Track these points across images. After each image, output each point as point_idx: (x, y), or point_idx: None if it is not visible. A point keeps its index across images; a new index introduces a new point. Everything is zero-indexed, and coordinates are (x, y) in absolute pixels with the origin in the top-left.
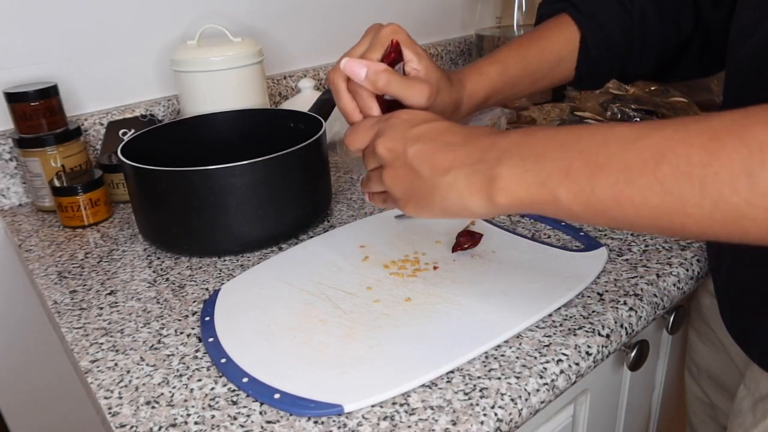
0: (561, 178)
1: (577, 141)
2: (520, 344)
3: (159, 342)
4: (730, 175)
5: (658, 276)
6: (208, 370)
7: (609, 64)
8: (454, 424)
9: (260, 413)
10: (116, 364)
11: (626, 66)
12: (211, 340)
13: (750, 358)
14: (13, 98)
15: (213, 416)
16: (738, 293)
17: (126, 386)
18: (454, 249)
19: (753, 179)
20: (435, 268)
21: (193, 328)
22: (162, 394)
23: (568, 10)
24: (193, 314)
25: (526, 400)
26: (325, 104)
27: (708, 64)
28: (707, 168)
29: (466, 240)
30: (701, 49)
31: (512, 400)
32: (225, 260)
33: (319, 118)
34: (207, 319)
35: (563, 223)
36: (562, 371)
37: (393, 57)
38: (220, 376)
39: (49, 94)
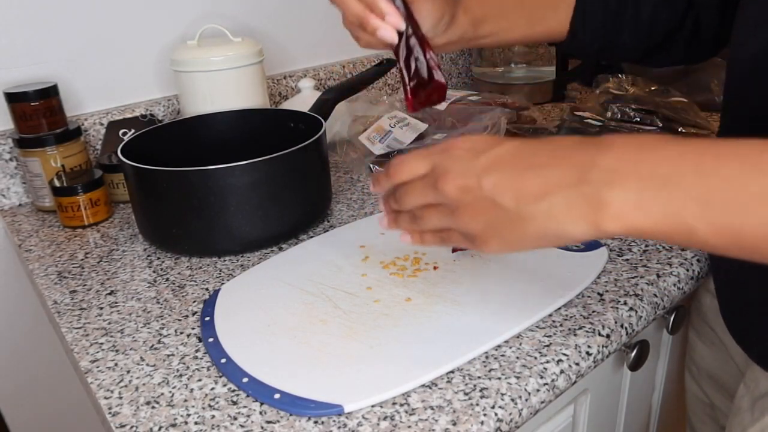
0: (699, 209)
1: (717, 164)
2: (520, 344)
3: (159, 342)
4: None
5: (658, 276)
6: (208, 370)
7: (603, 23)
8: (454, 424)
9: (260, 413)
10: (116, 364)
11: (620, 34)
12: (211, 340)
13: (750, 357)
14: (13, 98)
15: (213, 416)
16: (738, 292)
17: (126, 386)
18: (455, 249)
19: None
20: (435, 268)
21: (193, 328)
22: (162, 394)
23: None
24: (193, 314)
25: (527, 400)
26: (325, 104)
27: (694, 53)
28: None
29: None
30: (690, 36)
31: (512, 400)
32: (225, 260)
33: (319, 118)
34: (207, 319)
35: None
36: (562, 371)
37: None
38: (220, 376)
39: (49, 94)
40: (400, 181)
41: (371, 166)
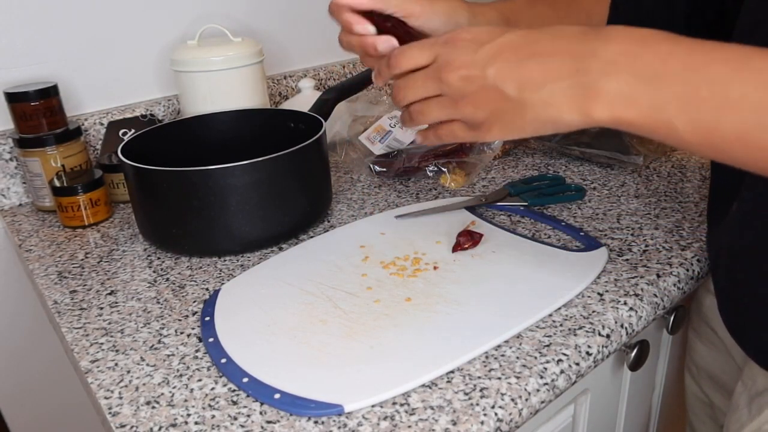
0: (682, 105)
1: (705, 66)
2: (520, 344)
3: (159, 342)
4: None
5: (658, 276)
6: (208, 370)
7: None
8: (455, 424)
9: (260, 413)
10: (116, 364)
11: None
12: (211, 340)
13: (746, 354)
14: (13, 98)
15: (213, 416)
16: (736, 290)
17: (126, 386)
18: (455, 249)
19: None
20: (435, 268)
21: (193, 328)
22: (162, 394)
23: None
24: (194, 314)
25: (527, 400)
26: (325, 104)
27: None
28: None
29: (466, 240)
30: (692, 28)
31: (512, 400)
32: (225, 260)
33: (319, 118)
34: (207, 319)
35: (563, 223)
36: (562, 371)
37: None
38: (221, 376)
39: (50, 94)
40: (401, 70)
41: (371, 166)
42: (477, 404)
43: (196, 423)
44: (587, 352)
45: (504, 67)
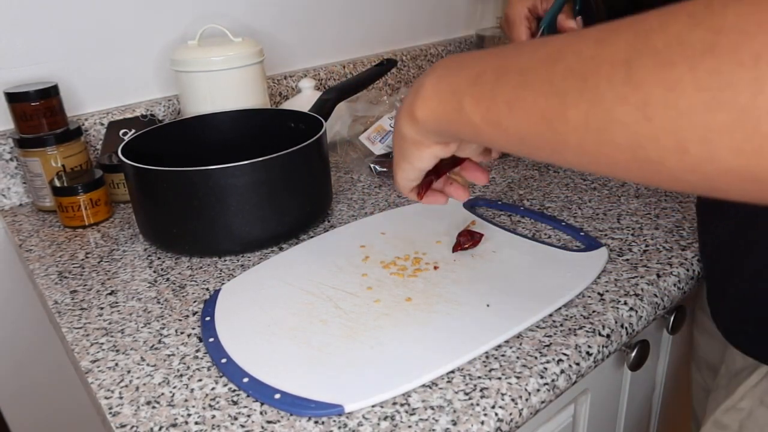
0: (470, 84)
1: (495, 52)
2: (520, 344)
3: (159, 342)
4: (610, 66)
5: (658, 276)
6: (208, 370)
7: None
8: (455, 424)
9: (261, 413)
10: (117, 364)
11: None
12: (211, 340)
13: (720, 333)
14: (13, 98)
15: (213, 416)
16: (714, 273)
17: (126, 386)
18: (455, 249)
19: (630, 68)
20: (435, 268)
21: (193, 328)
22: (162, 394)
23: None
24: (194, 314)
25: (527, 400)
26: (326, 104)
27: None
28: (593, 60)
29: (467, 240)
30: None
31: (513, 400)
32: (225, 260)
33: (320, 118)
34: (207, 319)
35: (564, 223)
36: (562, 371)
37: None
38: (221, 376)
39: (50, 94)
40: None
41: (371, 166)
42: (477, 404)
43: (196, 423)
44: (587, 352)
45: (400, 109)
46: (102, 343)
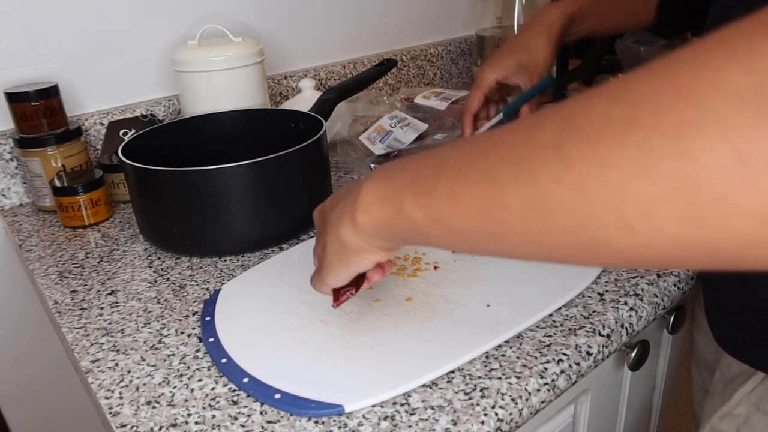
0: (409, 183)
1: (432, 152)
2: (520, 344)
3: (159, 342)
4: (541, 149)
5: (658, 276)
6: (208, 370)
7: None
8: (455, 424)
9: (261, 413)
10: (117, 364)
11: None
12: (211, 340)
13: (716, 342)
14: (13, 98)
15: (213, 416)
16: (709, 277)
17: (127, 386)
18: (455, 249)
19: (560, 150)
20: (436, 268)
21: (193, 328)
22: (162, 394)
23: None
24: (194, 314)
25: (527, 400)
26: (326, 104)
27: None
28: (525, 147)
29: None
30: None
31: (513, 400)
32: (225, 260)
33: (320, 118)
34: (207, 319)
35: None
36: (562, 371)
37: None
38: (221, 376)
39: (50, 94)
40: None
41: (371, 166)
42: (477, 404)
43: (196, 423)
44: (587, 352)
45: (329, 215)
46: (102, 343)
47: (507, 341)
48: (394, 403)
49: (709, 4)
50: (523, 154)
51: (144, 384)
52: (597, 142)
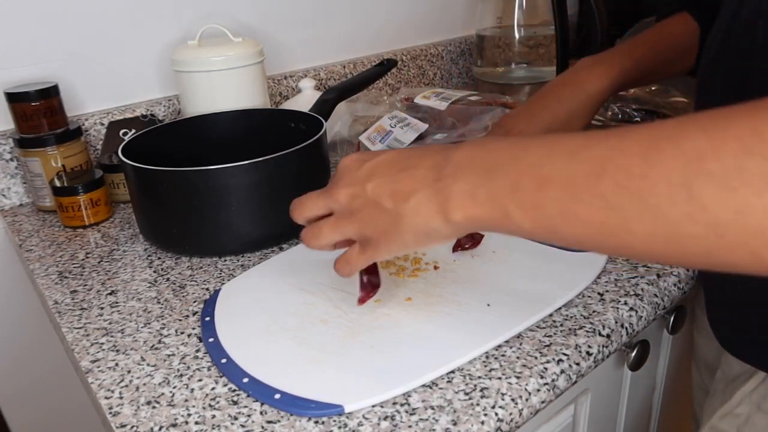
0: (510, 193)
1: (525, 153)
2: (520, 344)
3: (159, 342)
4: (668, 187)
5: (658, 276)
6: (208, 370)
7: None
8: (455, 424)
9: (261, 413)
10: (117, 364)
11: None
12: (211, 340)
13: (717, 341)
14: (13, 98)
15: (213, 416)
16: (710, 277)
17: (127, 386)
18: (455, 249)
19: (690, 191)
20: (435, 268)
21: (193, 328)
22: (162, 394)
23: (686, 8)
24: (194, 314)
25: (527, 400)
26: (326, 104)
27: None
28: (645, 180)
29: (467, 240)
30: None
31: (513, 400)
32: (225, 260)
33: (320, 118)
34: (207, 319)
35: None
36: (562, 371)
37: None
38: (221, 376)
39: (50, 94)
40: (303, 216)
41: None
42: (477, 404)
43: (196, 423)
44: (587, 352)
45: (380, 181)
46: (102, 343)
47: (507, 341)
48: (394, 403)
49: None
50: (644, 187)
51: (144, 384)
52: (732, 191)
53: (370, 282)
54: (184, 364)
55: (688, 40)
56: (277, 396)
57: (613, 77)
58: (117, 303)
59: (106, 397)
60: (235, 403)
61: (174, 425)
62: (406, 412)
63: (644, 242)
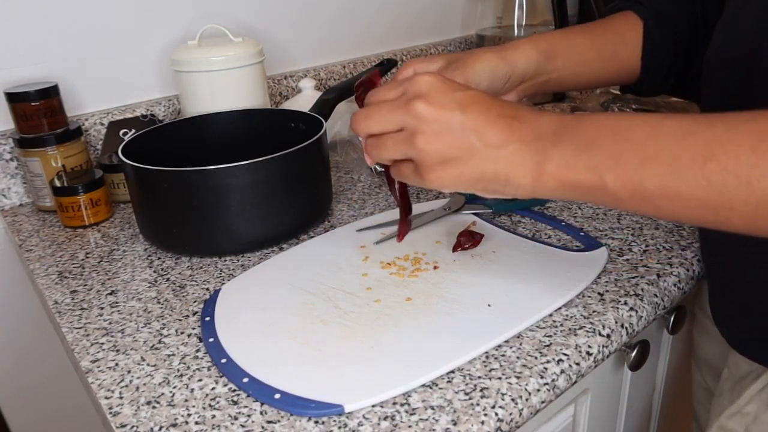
0: (611, 165)
1: (627, 130)
2: (520, 344)
3: (160, 342)
4: None
5: (658, 276)
6: (208, 370)
7: (674, 52)
8: (455, 424)
9: (261, 413)
10: (117, 364)
11: (694, 60)
12: (211, 340)
13: (725, 340)
14: (13, 98)
15: (213, 416)
16: (717, 277)
17: (127, 386)
18: (455, 249)
19: None
20: (435, 268)
21: (193, 328)
22: (163, 394)
23: (630, 6)
24: (194, 314)
25: (527, 400)
26: (326, 104)
27: None
28: (754, 168)
29: (467, 240)
30: None
31: (513, 400)
32: (225, 260)
33: (320, 118)
34: (207, 319)
35: (564, 223)
36: (562, 371)
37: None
38: (221, 376)
39: (50, 94)
40: (369, 101)
41: (371, 166)
42: (477, 404)
43: (196, 423)
44: (587, 352)
45: (475, 116)
46: (102, 343)
47: (507, 341)
48: (394, 403)
49: (692, 67)
50: (753, 174)
51: (144, 384)
52: None
53: (405, 210)
54: (184, 364)
55: (631, 32)
56: (277, 396)
57: (540, 49)
58: (117, 303)
59: (106, 397)
60: (235, 403)
61: (174, 425)
62: (406, 412)
63: (745, 218)
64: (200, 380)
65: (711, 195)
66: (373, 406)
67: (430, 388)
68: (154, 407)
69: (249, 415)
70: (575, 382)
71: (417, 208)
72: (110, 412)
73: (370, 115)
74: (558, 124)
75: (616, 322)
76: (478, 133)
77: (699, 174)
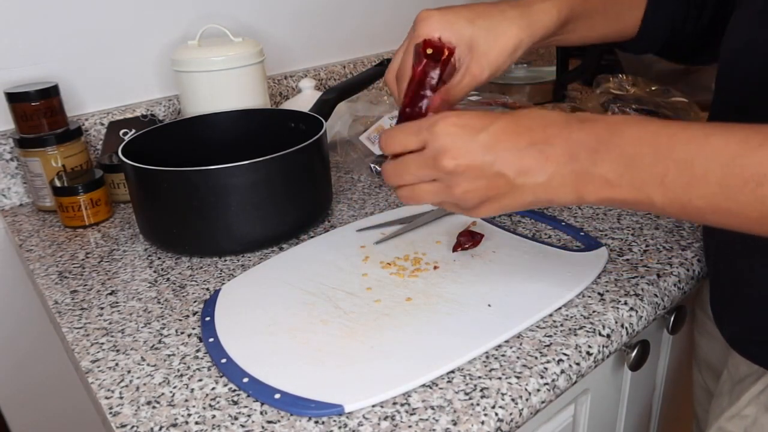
0: (656, 184)
1: (670, 148)
2: (520, 344)
3: (160, 342)
4: None
5: (658, 276)
6: (208, 370)
7: (672, 12)
8: (455, 423)
9: (261, 413)
10: (117, 364)
11: (686, 21)
12: (211, 340)
13: (725, 341)
14: (14, 98)
15: (214, 416)
16: (720, 279)
17: (127, 386)
18: (455, 249)
19: None
20: (435, 268)
21: (193, 328)
22: (163, 394)
23: None
24: (194, 314)
25: (527, 400)
26: (326, 104)
27: None
28: None
29: (467, 240)
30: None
31: (513, 400)
32: (225, 260)
33: (320, 118)
34: (207, 319)
35: (564, 223)
36: (562, 371)
37: (426, 63)
38: (221, 376)
39: (50, 94)
40: (390, 153)
41: (372, 166)
42: (477, 404)
43: (196, 423)
44: (588, 352)
45: (504, 155)
46: (102, 343)
47: (507, 341)
48: (394, 403)
49: (691, 25)
50: None
51: (144, 384)
52: None
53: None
54: (184, 364)
55: None
56: (277, 396)
57: (561, 17)
58: (117, 303)
59: (106, 397)
60: (235, 403)
61: (174, 425)
62: (406, 412)
63: None
64: (200, 380)
65: (764, 214)
66: (373, 406)
67: (430, 388)
68: (154, 407)
69: (249, 415)
70: (575, 382)
71: (417, 208)
72: (110, 412)
73: (400, 174)
74: (592, 139)
75: (616, 322)
76: (512, 171)
77: (751, 197)
